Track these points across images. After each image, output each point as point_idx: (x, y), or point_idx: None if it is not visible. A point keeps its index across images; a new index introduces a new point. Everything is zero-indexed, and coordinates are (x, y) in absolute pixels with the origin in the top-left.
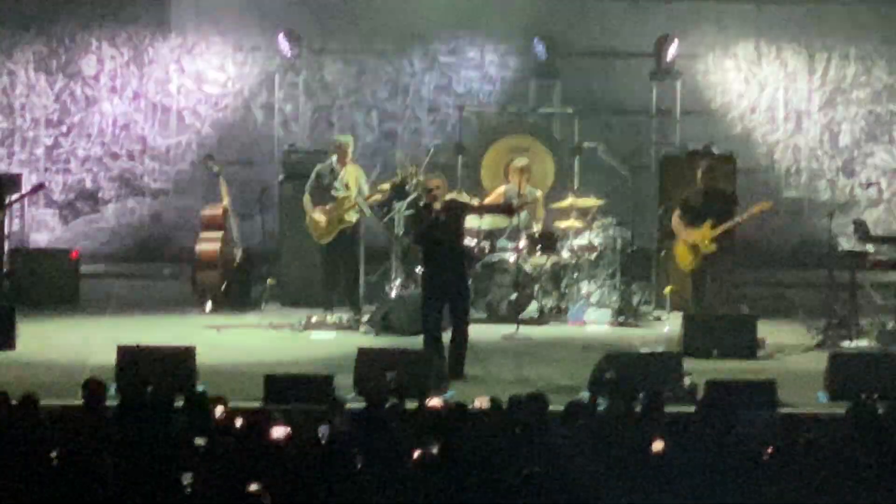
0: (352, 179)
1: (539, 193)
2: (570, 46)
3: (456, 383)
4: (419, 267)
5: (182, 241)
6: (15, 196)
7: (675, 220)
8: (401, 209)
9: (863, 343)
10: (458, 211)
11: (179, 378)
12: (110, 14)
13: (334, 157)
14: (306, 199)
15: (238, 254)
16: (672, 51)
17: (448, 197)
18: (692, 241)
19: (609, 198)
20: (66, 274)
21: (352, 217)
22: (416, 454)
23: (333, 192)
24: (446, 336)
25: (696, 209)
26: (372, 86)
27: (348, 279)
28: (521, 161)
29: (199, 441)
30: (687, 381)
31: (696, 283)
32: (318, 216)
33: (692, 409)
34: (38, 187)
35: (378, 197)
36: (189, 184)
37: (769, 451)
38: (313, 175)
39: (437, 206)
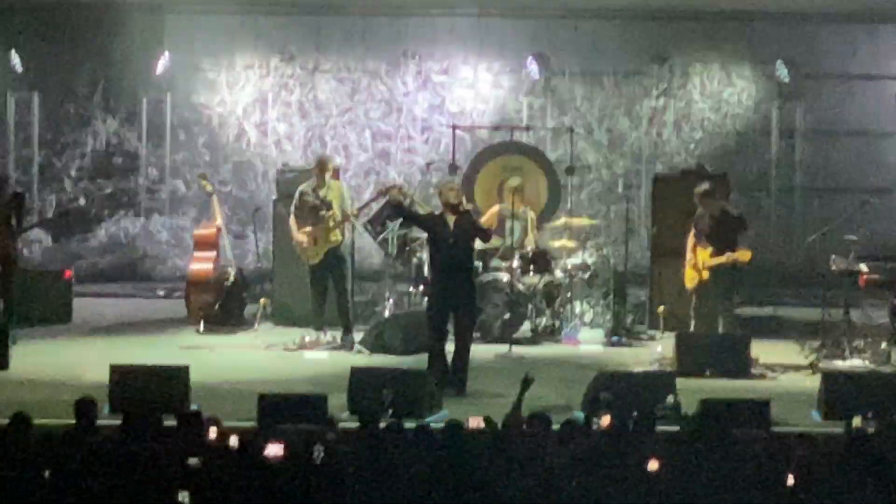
0: (335, 197)
1: (532, 213)
2: (564, 65)
3: (449, 403)
4: (412, 287)
5: (175, 261)
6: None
7: (690, 238)
8: (394, 229)
9: (857, 362)
10: (474, 227)
11: (173, 397)
12: (104, 33)
13: (326, 175)
14: (291, 220)
15: (231, 273)
16: None
17: (468, 205)
18: (694, 262)
19: (602, 217)
20: (59, 293)
21: (337, 236)
22: (411, 473)
23: (323, 214)
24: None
25: (705, 233)
26: (365, 105)
27: (338, 299)
28: (514, 181)
29: (194, 461)
30: (670, 398)
31: (697, 301)
32: (301, 237)
33: (677, 427)
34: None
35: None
36: (182, 203)
37: (762, 470)
38: (297, 195)
39: (460, 211)
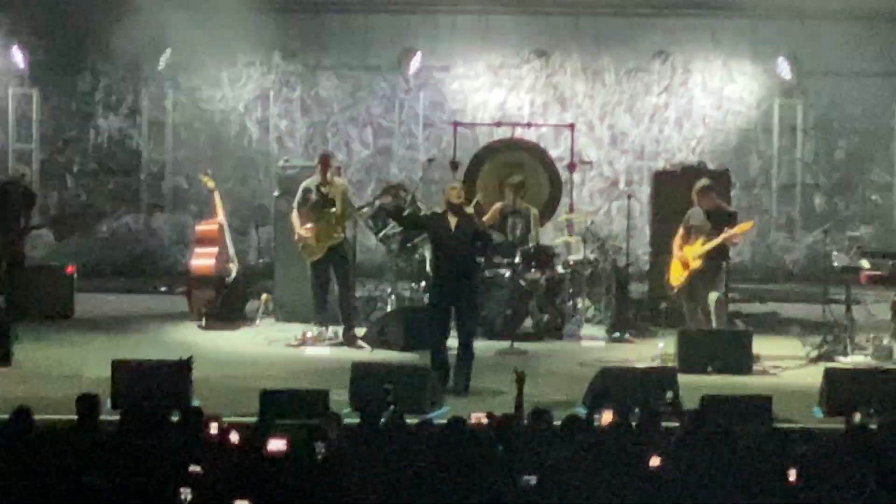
0: (338, 194)
1: (534, 210)
2: (565, 62)
3: (451, 398)
4: (414, 283)
5: (177, 257)
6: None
7: (677, 238)
8: (395, 225)
9: (858, 358)
10: (475, 228)
11: (174, 393)
12: (106, 29)
13: (329, 172)
14: (294, 216)
15: (233, 269)
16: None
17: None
18: (682, 257)
19: (604, 214)
20: (62, 289)
21: (340, 233)
22: (413, 469)
23: (325, 210)
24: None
25: (698, 228)
26: (367, 101)
27: (340, 295)
28: (516, 178)
29: (195, 458)
30: (669, 394)
31: (688, 299)
32: (305, 233)
33: (678, 423)
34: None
35: (367, 210)
36: (184, 199)
37: (764, 466)
38: (300, 192)
39: (462, 212)
